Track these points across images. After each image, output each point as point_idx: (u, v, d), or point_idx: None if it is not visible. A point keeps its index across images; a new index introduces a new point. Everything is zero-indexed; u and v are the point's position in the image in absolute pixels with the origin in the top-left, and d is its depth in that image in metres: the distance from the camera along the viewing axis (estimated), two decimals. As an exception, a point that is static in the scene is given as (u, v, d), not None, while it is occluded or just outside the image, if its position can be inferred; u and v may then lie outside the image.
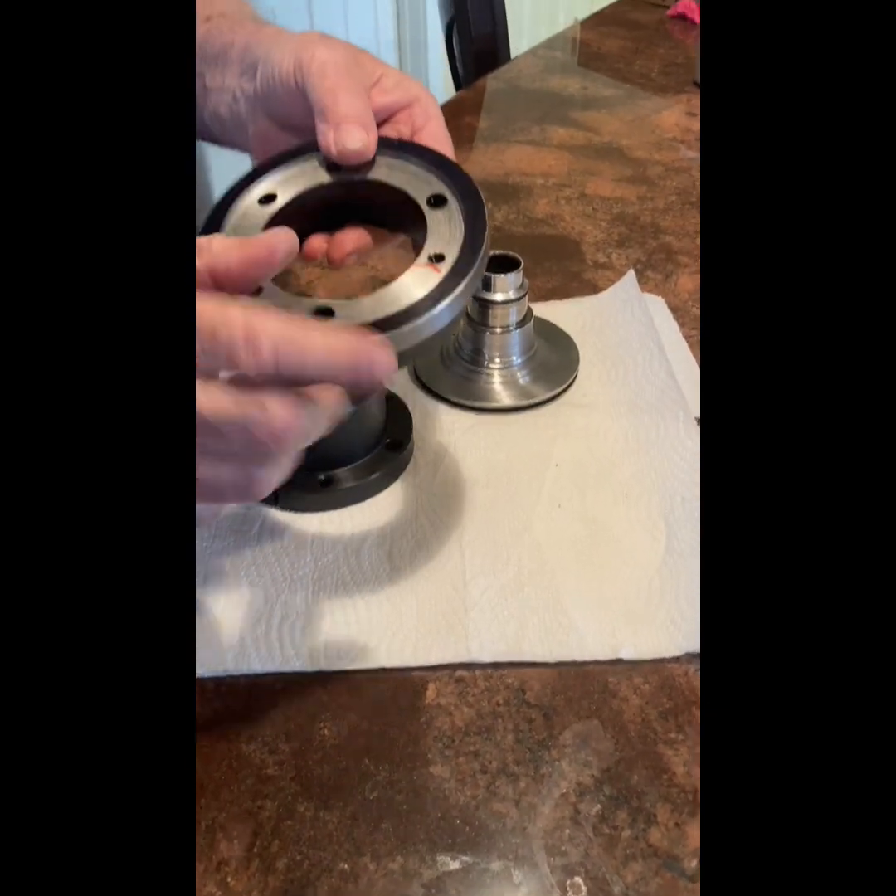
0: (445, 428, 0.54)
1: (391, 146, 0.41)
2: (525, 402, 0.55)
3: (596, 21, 1.25)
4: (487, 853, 0.34)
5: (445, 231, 0.38)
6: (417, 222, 0.39)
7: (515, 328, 0.56)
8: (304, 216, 0.41)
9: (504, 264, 0.54)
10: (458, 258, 0.37)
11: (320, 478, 0.49)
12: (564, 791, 0.36)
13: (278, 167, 0.42)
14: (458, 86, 1.33)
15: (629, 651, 0.41)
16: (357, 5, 2.08)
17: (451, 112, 0.99)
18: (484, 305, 0.55)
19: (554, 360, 0.58)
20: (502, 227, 0.76)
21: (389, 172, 0.41)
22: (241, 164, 0.46)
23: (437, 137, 0.44)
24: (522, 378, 0.57)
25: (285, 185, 0.41)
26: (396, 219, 0.41)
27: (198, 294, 0.28)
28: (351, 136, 0.40)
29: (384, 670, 0.41)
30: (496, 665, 0.41)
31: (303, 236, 0.42)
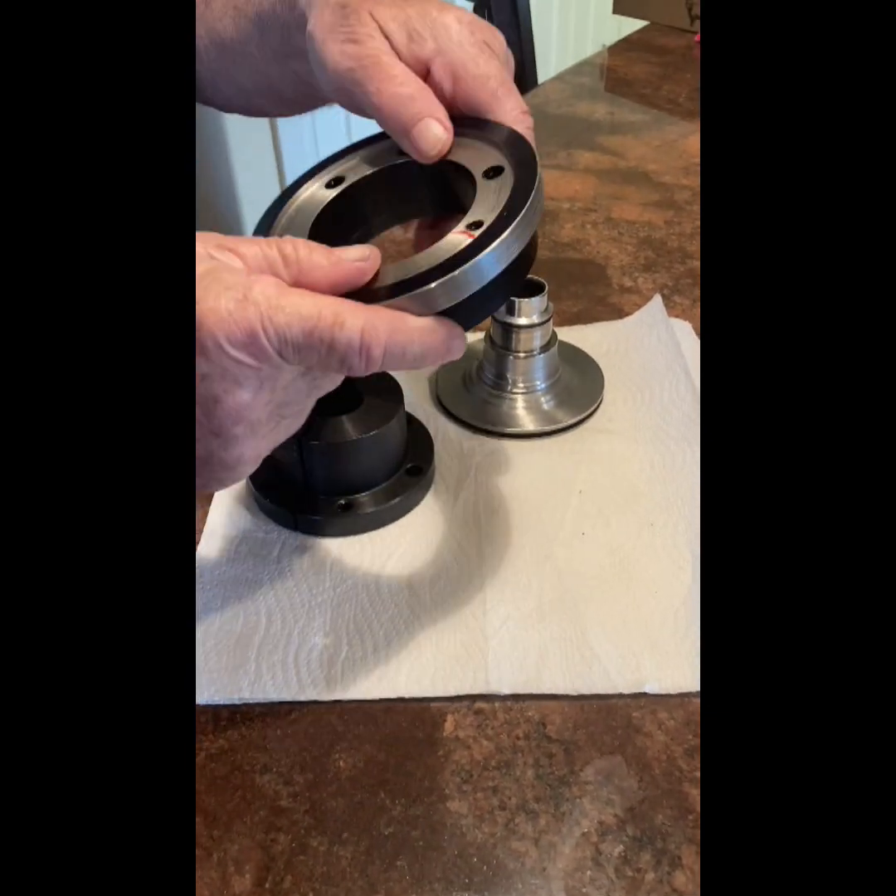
0: (467, 453, 0.53)
1: (456, 122, 0.39)
2: (549, 428, 0.55)
3: (623, 47, 1.25)
4: (505, 894, 0.33)
5: (492, 200, 0.36)
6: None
7: (539, 353, 0.55)
8: (366, 199, 0.41)
9: (528, 288, 0.54)
10: (493, 222, 0.34)
11: (340, 502, 0.48)
12: (586, 830, 0.35)
13: (351, 153, 0.42)
14: (485, 111, 1.33)
15: (654, 685, 0.40)
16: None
17: (478, 137, 0.99)
18: (507, 329, 0.54)
19: (578, 385, 0.57)
20: (527, 252, 0.75)
21: (452, 148, 0.39)
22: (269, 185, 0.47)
23: (473, 91, 0.39)
24: (546, 403, 0.56)
25: (355, 169, 0.41)
26: (462, 195, 0.39)
27: (310, 296, 0.30)
28: (430, 136, 0.38)
29: (402, 700, 0.40)
30: (516, 697, 0.40)
31: (360, 219, 0.42)
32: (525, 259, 0.36)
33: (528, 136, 0.39)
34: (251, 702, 0.40)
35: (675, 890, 0.33)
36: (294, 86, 0.48)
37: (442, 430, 0.55)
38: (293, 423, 0.34)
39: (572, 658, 0.41)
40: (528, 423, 0.55)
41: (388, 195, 0.42)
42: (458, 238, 0.34)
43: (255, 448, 0.33)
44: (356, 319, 0.31)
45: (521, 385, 0.56)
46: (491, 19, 1.20)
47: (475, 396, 0.57)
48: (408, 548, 0.47)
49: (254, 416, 0.31)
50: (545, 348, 0.55)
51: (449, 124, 0.39)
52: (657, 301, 0.64)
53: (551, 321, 0.55)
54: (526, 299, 0.53)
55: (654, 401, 0.56)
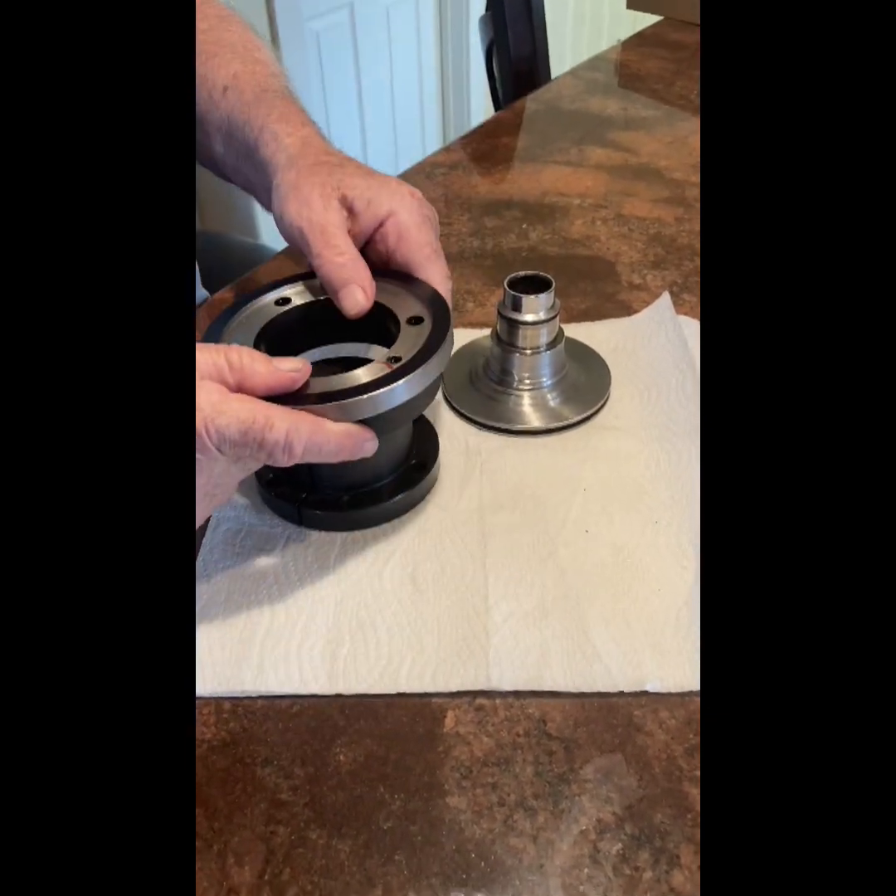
0: (472, 449, 0.53)
1: (392, 276, 0.48)
2: (554, 425, 0.54)
3: (637, 42, 1.25)
4: (503, 890, 0.33)
5: (411, 342, 0.44)
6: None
7: (545, 349, 0.55)
8: (305, 321, 0.49)
9: (535, 284, 0.54)
10: (409, 360, 0.43)
11: (345, 498, 0.48)
12: (584, 828, 0.35)
13: (300, 280, 0.50)
14: (497, 107, 1.33)
15: (655, 684, 0.40)
16: (400, 27, 2.11)
17: (489, 132, 0.99)
18: (513, 326, 0.54)
19: (585, 382, 0.57)
20: (536, 248, 0.75)
21: (384, 296, 0.47)
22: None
23: (412, 252, 0.48)
24: (552, 400, 0.56)
25: (300, 294, 0.49)
26: (387, 332, 0.46)
27: (244, 403, 0.37)
28: (352, 300, 0.46)
29: (403, 695, 0.40)
30: (517, 694, 0.40)
31: (299, 336, 0.49)
32: (430, 390, 0.44)
33: (447, 295, 0.48)
34: (253, 695, 0.40)
35: (673, 889, 0.33)
36: (252, 184, 0.57)
37: (447, 425, 0.55)
38: (222, 498, 0.41)
39: (574, 656, 0.41)
40: (533, 419, 0.55)
41: (326, 321, 0.48)
42: (379, 367, 0.42)
43: None
44: (283, 423, 0.37)
45: (527, 382, 0.56)
46: (504, 14, 1.20)
47: (481, 392, 0.57)
48: (411, 543, 0.47)
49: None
50: (551, 345, 0.55)
51: (371, 292, 0.46)
52: (666, 298, 0.64)
53: (558, 318, 0.55)
54: (531, 296, 0.53)
55: (660, 399, 0.56)
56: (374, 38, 2.03)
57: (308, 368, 0.40)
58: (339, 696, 0.40)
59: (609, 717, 0.39)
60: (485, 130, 1.00)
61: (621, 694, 0.40)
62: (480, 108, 2.35)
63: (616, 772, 0.37)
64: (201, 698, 0.40)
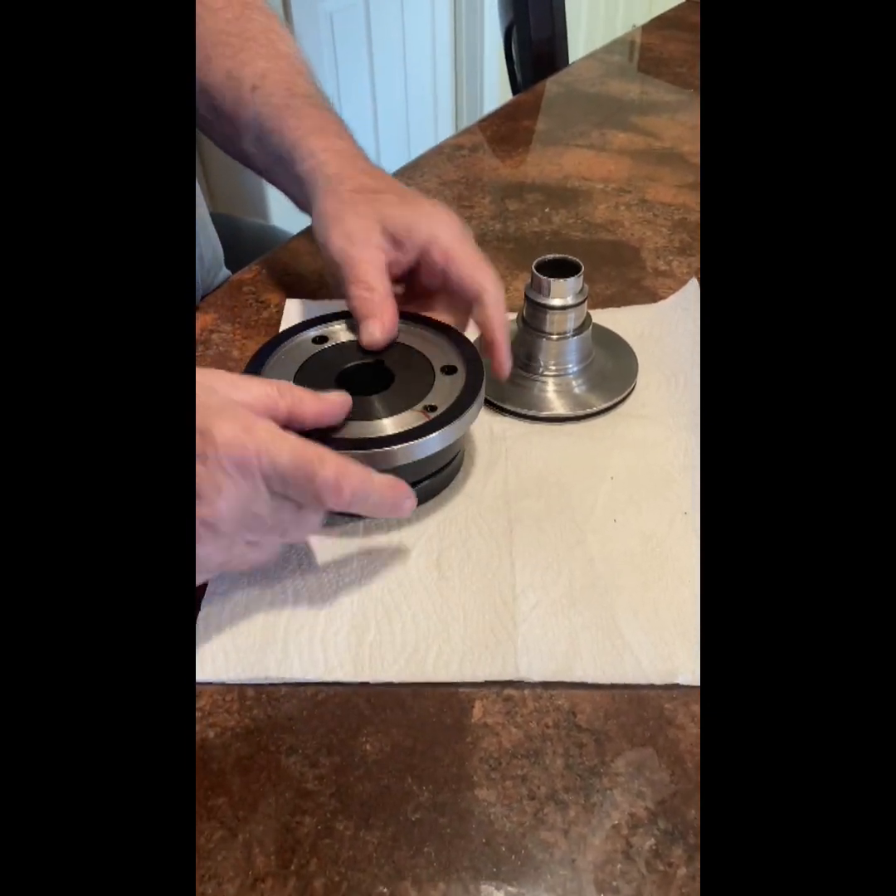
0: (497, 436, 0.53)
1: (427, 324, 0.50)
2: (580, 412, 0.54)
3: (658, 24, 1.23)
4: (534, 885, 0.33)
5: (447, 392, 0.46)
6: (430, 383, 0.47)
7: (572, 335, 0.54)
8: (346, 358, 0.49)
9: (563, 268, 0.53)
10: (445, 410, 0.44)
11: (369, 483, 0.47)
12: (616, 822, 0.34)
13: (337, 319, 0.51)
14: (515, 90, 1.31)
15: (687, 677, 0.39)
16: (414, 8, 2.08)
17: (509, 115, 0.97)
18: (540, 310, 0.53)
19: (612, 369, 0.56)
20: (559, 232, 0.74)
21: (419, 342, 0.49)
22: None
23: (461, 265, 0.49)
24: (578, 387, 0.55)
25: (337, 333, 0.51)
26: (416, 378, 0.48)
27: (298, 439, 0.37)
28: (366, 333, 0.48)
29: (430, 685, 0.39)
30: (546, 685, 0.39)
31: (334, 373, 0.49)
32: (462, 439, 0.46)
33: (501, 298, 0.49)
34: (277, 681, 0.39)
35: (708, 886, 0.32)
36: (284, 187, 0.58)
37: (471, 411, 0.54)
38: (249, 554, 0.39)
39: (603, 646, 0.40)
40: (559, 406, 0.54)
41: (361, 360, 0.49)
42: (416, 415, 0.44)
43: (209, 555, 0.37)
44: (334, 461, 0.37)
45: (552, 368, 0.55)
46: (523, -5, 1.18)
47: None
48: (436, 530, 0.47)
49: (219, 525, 0.36)
50: (579, 331, 0.54)
51: (389, 327, 0.48)
52: (693, 285, 0.63)
53: (586, 303, 0.54)
54: (559, 279, 0.52)
55: (688, 387, 0.55)
56: (387, 20, 2.01)
57: (349, 400, 0.42)
58: (364, 684, 0.39)
59: (640, 709, 0.38)
60: (505, 113, 0.98)
61: (652, 686, 0.39)
62: (494, 90, 2.33)
63: (648, 766, 0.36)
64: (225, 684, 0.39)
